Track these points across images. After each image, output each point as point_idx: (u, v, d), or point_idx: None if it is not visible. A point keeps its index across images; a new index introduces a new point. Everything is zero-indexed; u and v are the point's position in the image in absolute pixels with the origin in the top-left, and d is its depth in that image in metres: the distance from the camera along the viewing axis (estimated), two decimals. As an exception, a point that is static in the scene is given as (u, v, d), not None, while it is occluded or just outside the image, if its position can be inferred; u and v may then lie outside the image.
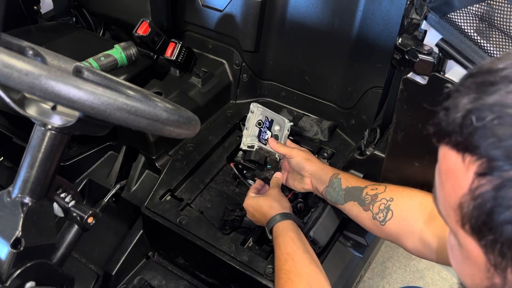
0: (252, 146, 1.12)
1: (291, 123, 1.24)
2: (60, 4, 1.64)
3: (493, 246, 0.36)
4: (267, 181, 1.14)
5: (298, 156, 1.05)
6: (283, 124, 1.22)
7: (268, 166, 1.12)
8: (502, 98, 0.35)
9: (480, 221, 0.36)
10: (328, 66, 1.33)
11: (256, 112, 1.18)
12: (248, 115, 1.18)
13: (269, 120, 1.19)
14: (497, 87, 0.35)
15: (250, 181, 1.22)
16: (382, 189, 0.88)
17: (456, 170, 0.38)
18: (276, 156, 1.14)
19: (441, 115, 0.39)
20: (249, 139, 1.13)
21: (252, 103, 1.20)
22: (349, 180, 0.94)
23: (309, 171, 1.03)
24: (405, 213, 0.84)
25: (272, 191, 1.05)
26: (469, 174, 0.36)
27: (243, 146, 1.13)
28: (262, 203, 1.02)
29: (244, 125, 1.38)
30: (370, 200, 0.88)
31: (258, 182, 1.14)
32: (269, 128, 1.18)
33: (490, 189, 0.35)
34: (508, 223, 0.34)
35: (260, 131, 1.15)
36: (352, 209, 0.92)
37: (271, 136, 1.16)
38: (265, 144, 1.14)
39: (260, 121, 1.17)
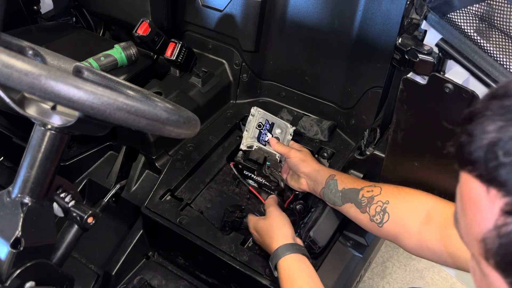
0: (251, 147, 1.13)
1: (294, 128, 1.25)
2: (60, 4, 1.64)
3: None
4: (267, 179, 1.14)
5: (294, 157, 1.05)
6: (285, 129, 1.23)
7: (267, 163, 1.13)
8: None
9: (506, 260, 0.34)
10: (328, 66, 1.33)
11: (257, 115, 1.19)
12: (248, 118, 1.19)
13: (270, 123, 1.20)
14: None
15: (250, 181, 1.22)
16: (377, 191, 0.88)
17: (479, 202, 0.36)
18: (276, 156, 1.14)
19: (464, 139, 0.37)
20: (248, 140, 1.14)
21: (253, 107, 1.21)
22: (345, 182, 0.94)
23: (304, 172, 1.03)
24: (401, 215, 0.84)
25: (270, 214, 1.00)
26: (495, 209, 0.34)
27: (243, 147, 1.14)
28: (261, 230, 0.98)
29: (244, 125, 1.38)
30: (366, 203, 0.88)
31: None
32: (270, 131, 1.19)
33: None
34: None
35: (260, 133, 1.16)
36: (350, 211, 0.92)
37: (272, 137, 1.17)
38: (265, 145, 1.14)
39: (260, 123, 1.18)
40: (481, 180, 0.35)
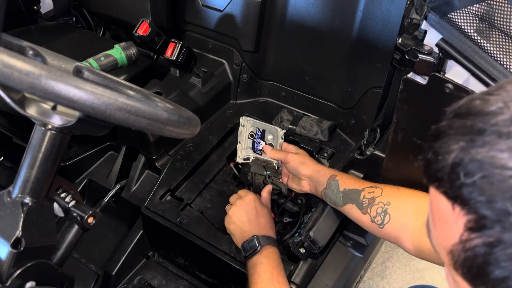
0: (248, 158, 1.12)
1: (284, 131, 1.25)
2: (60, 4, 1.64)
3: None
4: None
5: (293, 161, 1.05)
6: (275, 133, 1.23)
7: (267, 172, 1.11)
8: (490, 154, 0.34)
9: (472, 272, 0.36)
10: (328, 66, 1.33)
11: (247, 125, 1.19)
12: (239, 129, 1.19)
13: (261, 130, 1.20)
14: (487, 139, 0.34)
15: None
16: (379, 192, 0.88)
17: (446, 216, 0.37)
18: (274, 164, 1.14)
19: (430, 156, 0.38)
20: (243, 152, 1.13)
21: (241, 117, 1.21)
22: (346, 182, 0.94)
23: (305, 174, 1.03)
24: (402, 217, 0.84)
25: (246, 197, 1.02)
26: (459, 224, 0.36)
27: (239, 160, 1.13)
28: (230, 219, 1.00)
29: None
30: (367, 204, 0.88)
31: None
32: (262, 138, 1.18)
33: (481, 245, 0.34)
34: (501, 281, 0.34)
35: (253, 142, 1.15)
36: (351, 212, 0.92)
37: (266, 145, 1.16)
38: (261, 155, 1.14)
39: (252, 133, 1.17)
40: (447, 196, 0.37)
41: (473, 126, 0.35)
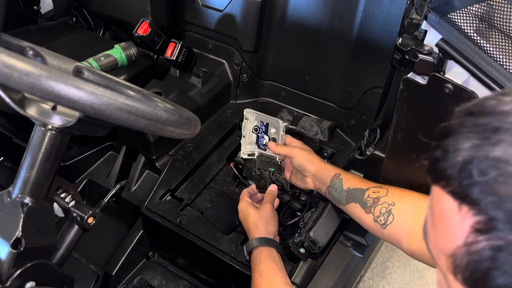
0: (252, 154, 1.11)
1: (285, 123, 1.24)
2: (60, 4, 1.64)
3: None
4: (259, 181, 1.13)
5: (299, 156, 1.04)
6: (278, 126, 1.21)
7: (271, 169, 1.11)
8: (506, 153, 0.33)
9: (474, 277, 0.35)
10: (328, 66, 1.33)
11: (251, 118, 1.16)
12: (243, 123, 1.17)
13: (265, 124, 1.18)
14: (502, 137, 0.33)
15: (250, 181, 1.22)
16: (384, 193, 0.88)
17: (451, 217, 0.36)
18: (277, 159, 1.13)
19: (439, 154, 0.37)
20: (248, 147, 1.11)
21: (245, 109, 1.19)
22: (350, 181, 0.94)
23: (311, 171, 1.02)
24: (406, 218, 0.83)
25: (265, 207, 1.03)
26: (465, 226, 0.34)
27: (243, 155, 1.11)
28: (251, 217, 1.02)
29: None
30: (371, 203, 0.88)
31: (252, 187, 1.13)
32: (266, 132, 1.17)
33: (487, 248, 0.33)
34: (505, 287, 0.33)
35: (257, 137, 1.13)
36: (354, 211, 0.92)
37: (269, 140, 1.15)
38: (265, 150, 1.12)
39: (256, 126, 1.15)
40: (454, 196, 0.35)
41: (487, 124, 0.34)
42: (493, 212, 0.32)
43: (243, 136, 1.14)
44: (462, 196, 0.35)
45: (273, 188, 1.09)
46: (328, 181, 0.98)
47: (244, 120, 1.17)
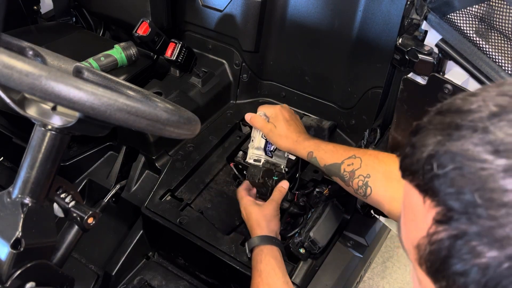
0: (259, 160, 1.09)
1: None
2: (60, 4, 1.64)
3: None
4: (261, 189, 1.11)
5: (269, 131, 1.04)
6: None
7: (275, 178, 1.09)
8: (464, 148, 0.34)
9: (435, 266, 0.36)
10: (328, 66, 1.33)
11: None
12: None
13: None
14: (462, 134, 0.35)
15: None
16: (358, 164, 0.88)
17: (417, 210, 0.38)
18: (282, 167, 1.12)
19: (408, 150, 0.39)
20: (255, 151, 1.10)
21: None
22: (324, 158, 0.94)
23: (284, 148, 1.04)
24: (383, 188, 0.84)
25: (269, 205, 1.04)
26: (428, 217, 0.36)
27: (249, 160, 1.10)
28: (253, 215, 1.02)
29: (244, 125, 1.37)
30: (348, 177, 0.89)
31: (246, 183, 1.12)
32: None
33: (446, 237, 0.35)
34: (461, 275, 0.34)
35: (266, 142, 1.11)
36: (338, 182, 0.93)
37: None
38: (271, 157, 1.11)
39: None
40: (419, 189, 0.37)
41: (451, 122, 0.36)
42: (451, 203, 0.34)
43: (252, 140, 1.12)
44: (425, 189, 0.37)
45: (284, 185, 1.09)
46: (305, 155, 0.98)
47: None
